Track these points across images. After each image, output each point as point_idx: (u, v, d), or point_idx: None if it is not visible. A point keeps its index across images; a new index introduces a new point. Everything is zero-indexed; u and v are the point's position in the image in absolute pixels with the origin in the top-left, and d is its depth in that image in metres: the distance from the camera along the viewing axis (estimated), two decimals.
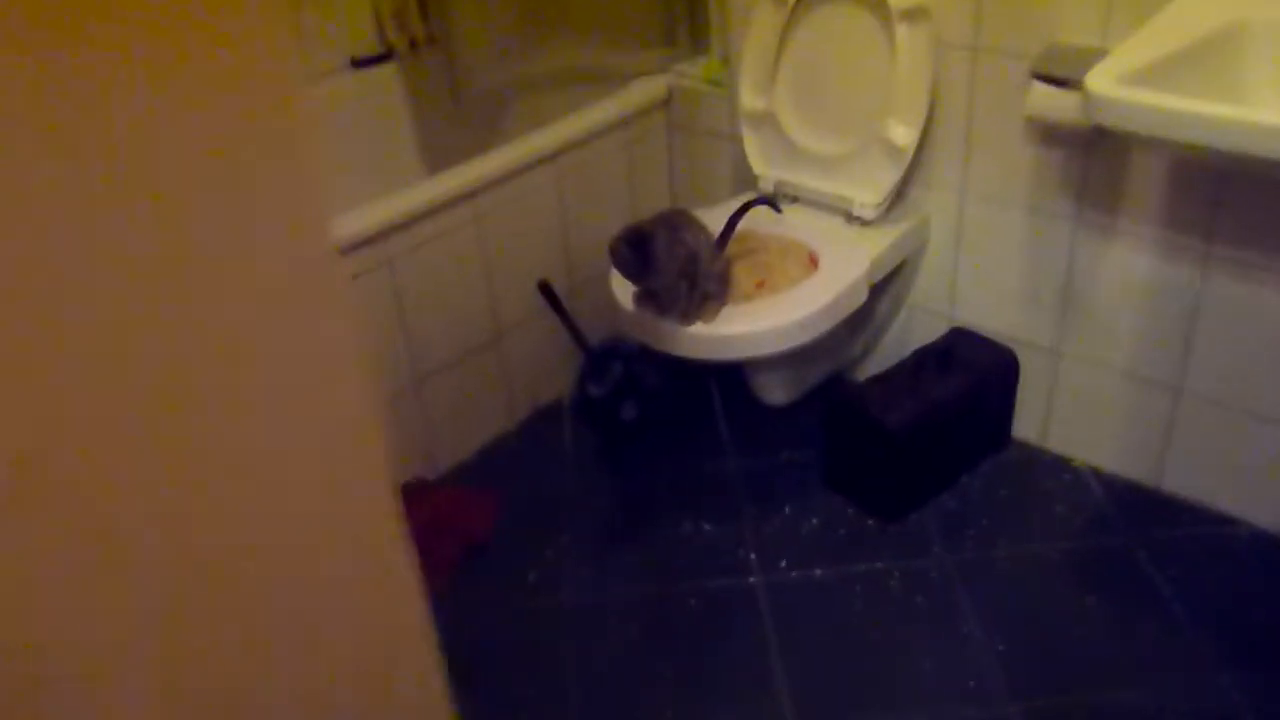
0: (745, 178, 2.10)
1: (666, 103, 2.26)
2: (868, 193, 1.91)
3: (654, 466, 2.10)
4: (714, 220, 1.85)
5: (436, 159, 2.49)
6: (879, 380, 1.94)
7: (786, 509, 1.95)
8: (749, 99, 2.00)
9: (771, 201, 1.90)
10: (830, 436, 1.99)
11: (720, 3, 2.15)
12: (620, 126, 2.19)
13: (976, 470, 2.01)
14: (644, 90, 2.23)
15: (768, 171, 2.03)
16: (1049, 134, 1.75)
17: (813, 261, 1.86)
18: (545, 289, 2.01)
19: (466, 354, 2.07)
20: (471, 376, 2.09)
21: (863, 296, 1.82)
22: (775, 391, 2.10)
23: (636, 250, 1.57)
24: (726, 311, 1.71)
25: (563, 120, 2.12)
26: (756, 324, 1.69)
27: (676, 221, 1.66)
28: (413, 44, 2.43)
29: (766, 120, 2.00)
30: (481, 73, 2.29)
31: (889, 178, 1.88)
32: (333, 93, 2.38)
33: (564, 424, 2.23)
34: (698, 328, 1.68)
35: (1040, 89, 1.62)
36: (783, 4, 1.90)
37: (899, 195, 1.96)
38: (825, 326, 1.74)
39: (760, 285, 1.80)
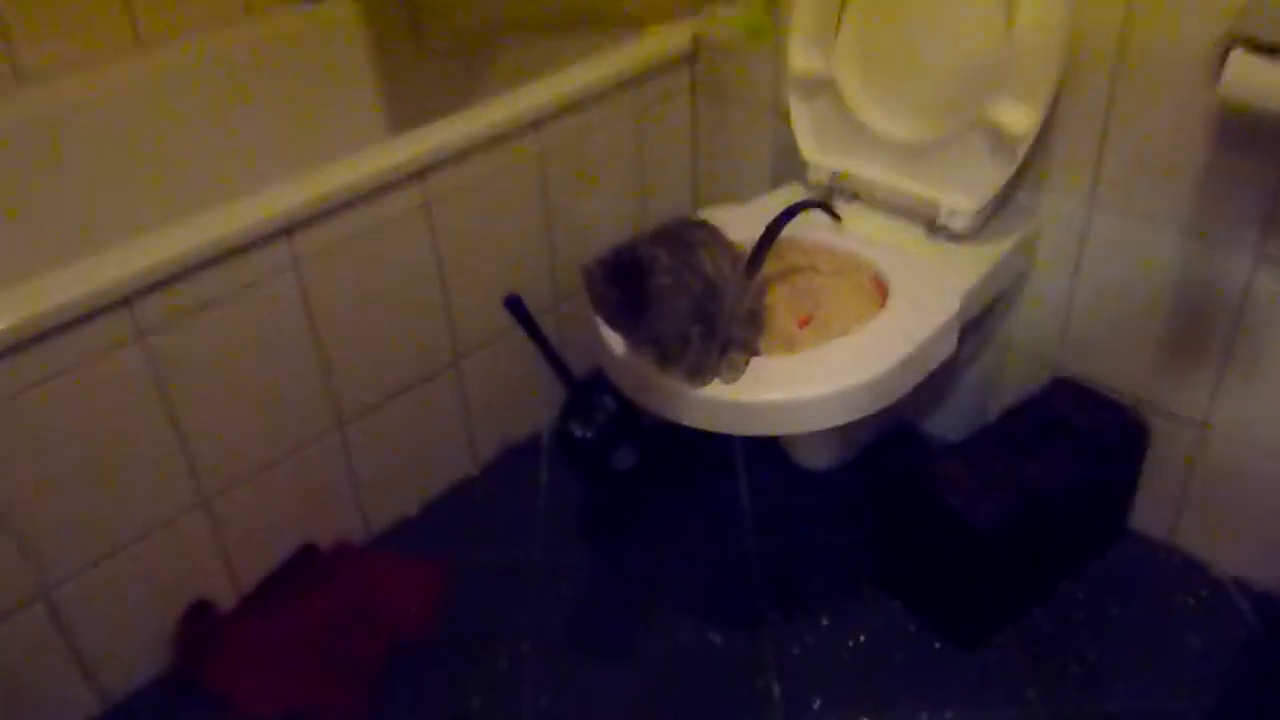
0: (791, 165, 1.57)
1: (691, 58, 1.73)
2: (961, 195, 1.38)
3: (650, 539, 1.60)
4: (746, 225, 1.33)
5: (401, 120, 1.98)
6: (958, 453, 1.42)
7: (824, 618, 1.45)
8: (801, 57, 1.47)
9: (826, 206, 1.37)
10: (888, 524, 1.48)
11: None
12: (627, 87, 1.66)
13: (1082, 574, 1.50)
14: (661, 40, 1.70)
15: (822, 158, 1.51)
16: (1239, 127, 1.22)
17: (879, 290, 1.33)
18: (514, 306, 1.49)
19: (414, 381, 1.57)
20: (420, 408, 1.59)
21: (951, 346, 1.30)
22: (815, 452, 1.59)
23: (626, 288, 1.05)
24: (757, 366, 1.20)
25: (549, 76, 1.59)
26: (799, 389, 1.17)
27: (688, 238, 1.14)
28: None
29: (823, 88, 1.47)
30: (450, 13, 1.77)
31: (994, 175, 1.35)
32: (277, 32, 1.87)
33: (541, 467, 1.73)
34: (715, 390, 1.17)
35: (1244, 61, 1.09)
36: None
37: (1002, 199, 1.43)
38: (897, 392, 1.23)
39: (806, 323, 1.28)
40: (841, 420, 1.19)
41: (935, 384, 1.61)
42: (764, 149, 1.70)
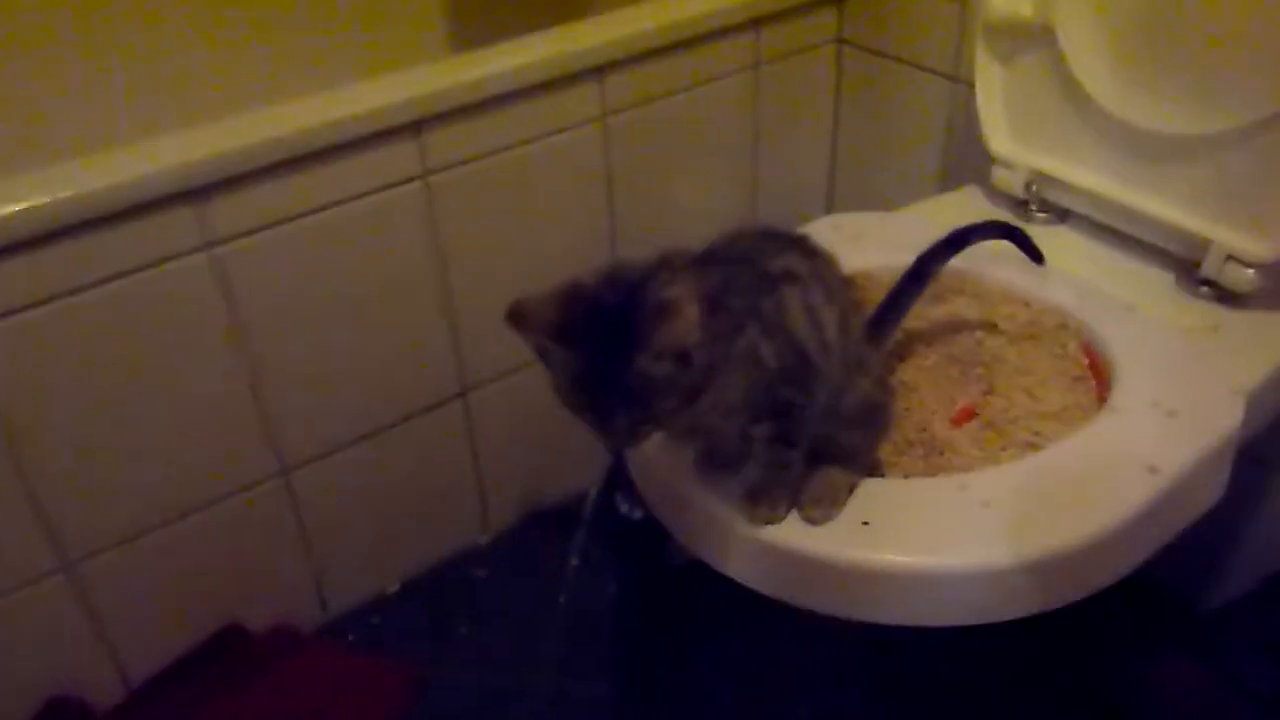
0: (971, 159, 1.06)
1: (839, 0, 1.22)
2: (1252, 231, 0.84)
3: (705, 677, 1.12)
4: (885, 247, 0.83)
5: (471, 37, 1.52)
6: (1190, 648, 0.88)
7: None
8: None
9: (1020, 235, 0.84)
10: None
11: None
12: (746, 29, 1.17)
13: None
14: None
15: (1019, 152, 0.98)
16: None
17: (1095, 371, 0.81)
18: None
19: (399, 416, 1.13)
20: (409, 451, 1.16)
21: (1222, 483, 0.77)
22: None
23: (601, 350, 0.57)
24: (873, 495, 0.69)
25: (630, 7, 1.11)
26: (944, 549, 0.66)
27: (765, 268, 0.64)
28: None
29: (1033, 42, 0.95)
30: None
31: None
32: None
33: (573, 548, 1.27)
34: (789, 534, 0.67)
35: None
36: None
37: None
38: (1125, 565, 0.71)
39: (967, 418, 0.77)
40: (1017, 613, 0.68)
41: None
42: (934, 133, 1.18)
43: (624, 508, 1.21)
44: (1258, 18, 0.81)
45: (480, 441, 1.21)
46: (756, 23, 1.17)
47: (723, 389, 0.60)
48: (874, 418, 0.71)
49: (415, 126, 0.99)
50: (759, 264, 0.64)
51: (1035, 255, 0.81)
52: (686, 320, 0.55)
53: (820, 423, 0.66)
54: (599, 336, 0.56)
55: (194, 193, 0.89)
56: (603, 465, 1.24)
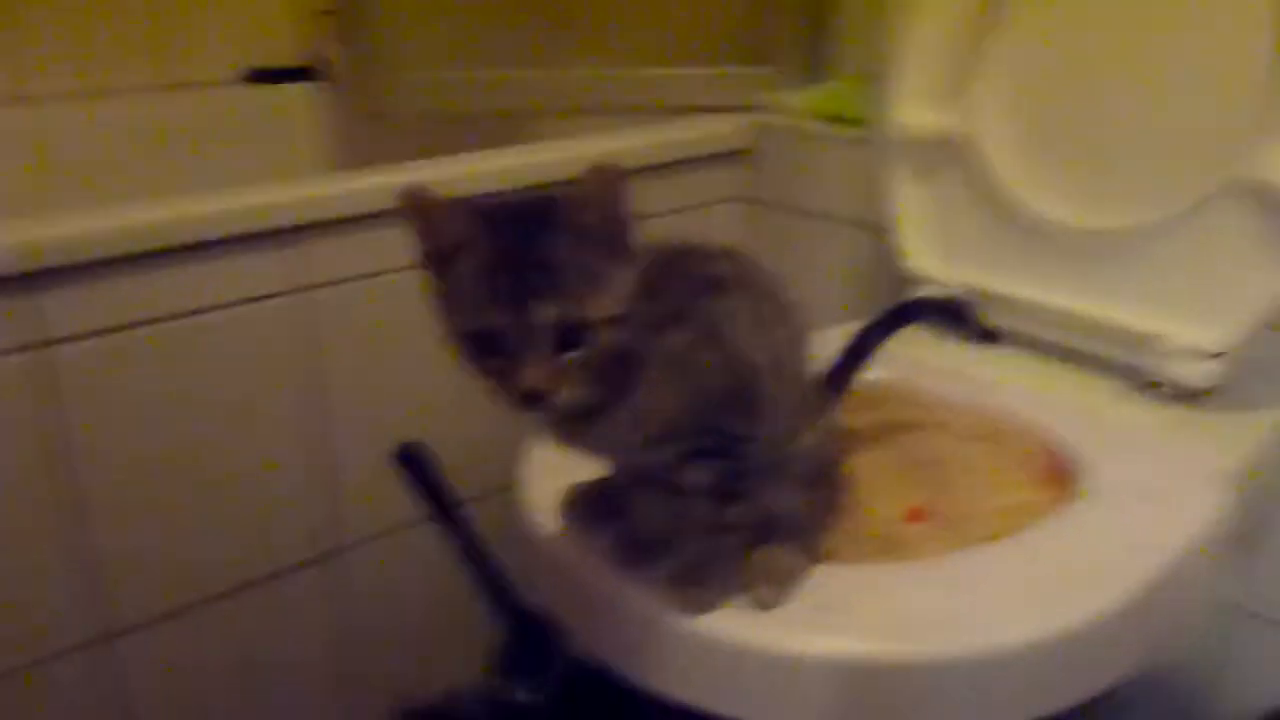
0: (888, 287, 1.00)
1: (742, 156, 1.20)
2: (1201, 321, 0.78)
3: None
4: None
5: None
6: None
7: None
8: (917, 111, 0.93)
9: (967, 312, 0.76)
10: None
11: None
12: (655, 172, 1.13)
13: None
14: (696, 130, 1.18)
15: (944, 269, 0.93)
16: None
17: (1054, 471, 0.72)
18: (410, 462, 0.88)
19: (249, 584, 0.95)
20: (251, 627, 0.97)
21: (1214, 580, 0.66)
22: None
23: (521, 221, 0.47)
24: (825, 577, 0.57)
25: (504, 150, 1.06)
26: (933, 636, 0.53)
27: (699, 270, 0.54)
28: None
29: (951, 157, 0.92)
30: (409, 92, 1.29)
31: (1267, 284, 0.75)
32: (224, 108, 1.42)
33: None
34: (730, 622, 0.53)
35: None
36: None
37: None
38: (1130, 659, 0.58)
39: (919, 517, 0.66)
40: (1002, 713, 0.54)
41: None
42: (844, 277, 1.13)
43: (519, 696, 1.03)
44: (1169, 107, 0.79)
45: (343, 617, 1.03)
46: (661, 169, 1.14)
47: (650, 395, 0.48)
48: (827, 479, 0.59)
49: (293, 233, 0.89)
50: (694, 265, 0.54)
51: (988, 335, 0.73)
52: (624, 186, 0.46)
53: (763, 480, 0.54)
54: (518, 220, 0.46)
55: (23, 279, 0.77)
56: (491, 650, 1.07)
